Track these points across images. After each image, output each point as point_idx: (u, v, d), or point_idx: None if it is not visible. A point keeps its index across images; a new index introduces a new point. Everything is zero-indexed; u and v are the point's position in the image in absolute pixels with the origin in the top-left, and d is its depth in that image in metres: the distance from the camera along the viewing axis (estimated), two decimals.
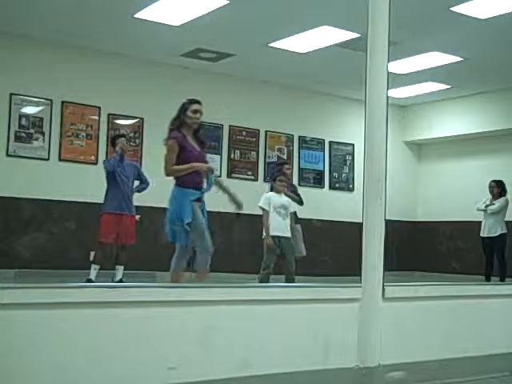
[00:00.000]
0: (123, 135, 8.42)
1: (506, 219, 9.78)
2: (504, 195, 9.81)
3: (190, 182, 5.49)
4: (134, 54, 10.19)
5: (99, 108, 10.17)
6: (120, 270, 7.81)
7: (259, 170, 11.57)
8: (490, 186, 9.86)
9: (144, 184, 8.11)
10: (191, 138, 5.61)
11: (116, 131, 10.11)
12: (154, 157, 10.44)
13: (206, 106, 10.90)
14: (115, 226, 7.72)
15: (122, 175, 7.81)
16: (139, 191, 8.08)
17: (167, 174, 5.57)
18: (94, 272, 7.65)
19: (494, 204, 9.74)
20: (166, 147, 5.57)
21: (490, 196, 9.88)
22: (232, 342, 3.37)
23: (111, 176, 7.75)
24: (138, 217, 7.99)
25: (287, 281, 7.11)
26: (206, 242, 5.53)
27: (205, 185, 5.56)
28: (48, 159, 9.75)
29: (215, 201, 10.68)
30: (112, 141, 8.23)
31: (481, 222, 9.89)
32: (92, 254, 7.99)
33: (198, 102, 5.61)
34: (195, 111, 5.56)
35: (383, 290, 3.86)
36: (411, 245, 12.77)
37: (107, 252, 7.80)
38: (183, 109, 5.57)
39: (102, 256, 7.74)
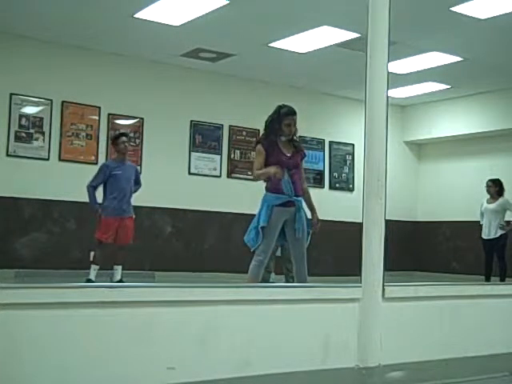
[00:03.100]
0: (125, 134, 8.35)
1: (506, 219, 9.75)
2: (502, 194, 9.74)
3: (272, 187, 5.51)
4: (134, 54, 10.19)
5: (99, 108, 10.17)
6: (118, 270, 7.79)
7: None
8: (487, 186, 9.79)
9: (138, 185, 8.11)
10: (285, 143, 5.62)
11: (116, 131, 10.10)
12: (153, 157, 10.51)
13: (206, 105, 11.00)
14: (115, 228, 7.71)
15: (123, 177, 7.78)
16: (134, 192, 8.03)
17: (253, 178, 5.78)
18: (93, 272, 7.64)
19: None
20: (255, 151, 5.72)
21: (487, 196, 9.82)
22: (232, 342, 3.37)
23: (111, 177, 7.71)
24: (133, 217, 7.97)
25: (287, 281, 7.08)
26: (262, 250, 5.43)
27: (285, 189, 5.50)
28: (48, 159, 9.75)
29: (215, 201, 10.77)
30: (113, 140, 8.20)
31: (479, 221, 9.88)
32: (92, 254, 7.99)
33: (292, 113, 5.59)
34: (289, 124, 5.55)
35: (383, 290, 3.86)
36: (411, 245, 12.77)
37: (107, 252, 7.80)
38: (278, 120, 5.56)
39: (102, 256, 7.74)
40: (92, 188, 7.73)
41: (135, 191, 8.06)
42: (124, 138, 7.97)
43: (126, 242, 7.87)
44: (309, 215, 5.79)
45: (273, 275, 7.34)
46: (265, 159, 5.52)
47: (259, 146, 5.60)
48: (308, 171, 12.05)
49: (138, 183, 8.10)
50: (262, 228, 5.41)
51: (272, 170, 5.38)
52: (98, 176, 7.82)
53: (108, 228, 7.70)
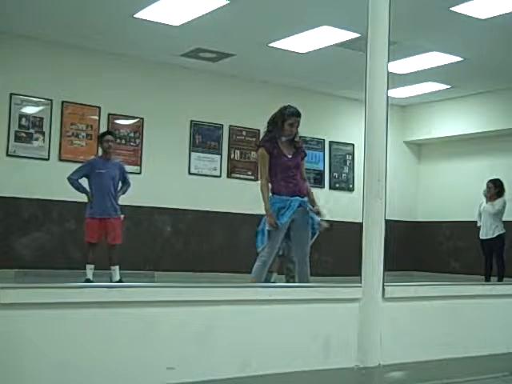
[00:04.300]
0: (111, 133, 8.27)
1: (505, 219, 9.74)
2: (502, 195, 9.72)
3: (276, 189, 5.57)
4: (133, 54, 10.19)
5: (99, 108, 10.17)
6: (116, 271, 7.72)
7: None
8: (488, 187, 9.75)
9: (127, 185, 7.89)
10: (285, 144, 5.65)
11: (116, 131, 10.10)
12: (153, 157, 10.51)
13: (206, 105, 11.00)
14: (100, 228, 7.62)
15: (108, 176, 7.64)
16: (123, 193, 7.86)
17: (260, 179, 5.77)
18: (90, 272, 7.60)
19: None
20: (257, 154, 5.78)
21: (485, 197, 9.78)
22: (232, 342, 3.37)
23: (95, 176, 7.61)
24: (122, 216, 7.84)
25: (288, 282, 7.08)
26: (267, 252, 5.49)
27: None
28: (48, 159, 9.75)
29: (215, 201, 10.76)
30: (98, 138, 8.14)
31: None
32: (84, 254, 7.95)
33: (297, 114, 5.61)
34: (291, 125, 5.58)
35: (383, 290, 3.86)
36: (411, 245, 12.77)
37: (98, 250, 7.73)
38: (282, 118, 5.58)
39: (93, 254, 7.69)
40: (73, 180, 7.65)
41: (124, 192, 7.86)
42: (109, 137, 7.86)
43: (116, 242, 7.77)
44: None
45: (274, 275, 7.35)
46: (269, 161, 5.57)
47: (262, 150, 5.60)
48: (308, 171, 12.02)
49: (125, 182, 7.87)
50: (269, 230, 5.45)
51: (270, 219, 5.42)
52: (81, 170, 7.76)
53: (93, 229, 7.61)
